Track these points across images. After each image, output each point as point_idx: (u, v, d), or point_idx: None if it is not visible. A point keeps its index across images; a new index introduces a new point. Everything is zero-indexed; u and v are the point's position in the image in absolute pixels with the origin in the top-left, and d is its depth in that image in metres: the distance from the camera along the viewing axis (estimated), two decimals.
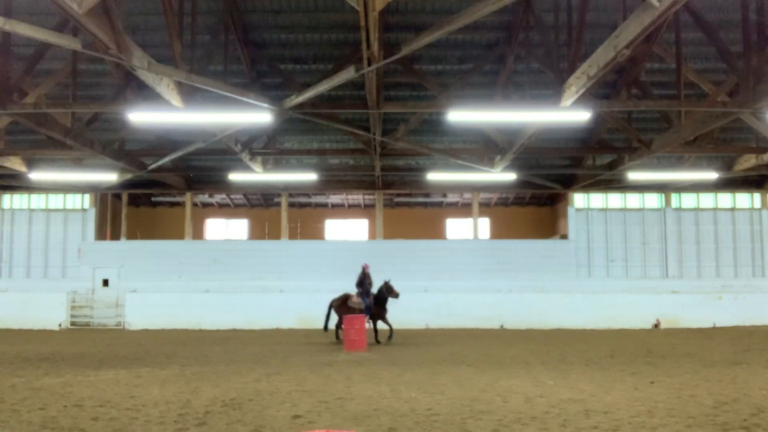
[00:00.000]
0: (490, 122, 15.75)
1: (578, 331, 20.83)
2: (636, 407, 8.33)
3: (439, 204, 27.50)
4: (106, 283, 22.60)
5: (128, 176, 20.28)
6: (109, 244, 23.28)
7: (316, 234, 26.84)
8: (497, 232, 26.96)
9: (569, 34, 13.04)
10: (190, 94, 12.79)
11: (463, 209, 26.99)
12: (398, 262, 21.73)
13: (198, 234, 26.35)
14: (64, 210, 23.33)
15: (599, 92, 16.95)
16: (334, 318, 16.66)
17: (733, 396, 9.03)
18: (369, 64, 10.58)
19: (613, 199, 23.29)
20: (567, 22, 13.21)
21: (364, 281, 16.58)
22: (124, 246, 23.12)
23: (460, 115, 13.15)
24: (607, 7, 14.33)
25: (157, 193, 25.36)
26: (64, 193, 23.20)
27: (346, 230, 27.57)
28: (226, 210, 27.81)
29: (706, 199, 23.20)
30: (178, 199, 26.00)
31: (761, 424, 7.33)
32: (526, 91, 15.92)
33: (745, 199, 23.21)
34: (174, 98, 12.30)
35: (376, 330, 16.60)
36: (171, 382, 10.47)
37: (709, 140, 17.43)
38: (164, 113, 12.98)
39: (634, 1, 10.79)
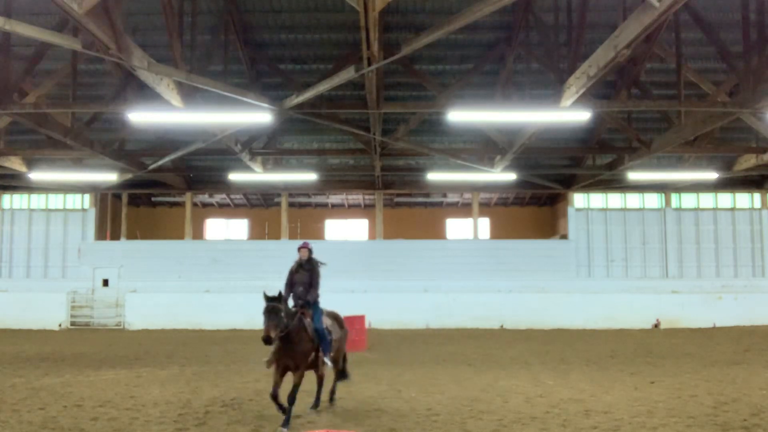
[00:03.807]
0: (490, 122, 15.75)
1: (578, 331, 20.82)
2: (636, 407, 8.33)
3: (439, 204, 27.48)
4: (106, 283, 22.59)
5: (128, 176, 20.27)
6: (109, 244, 23.26)
7: (316, 234, 26.80)
8: (497, 232, 26.95)
9: (569, 34, 13.03)
10: (190, 94, 12.78)
11: (463, 209, 26.98)
12: (398, 262, 21.72)
13: (198, 234, 26.33)
14: (64, 210, 23.31)
15: (599, 92, 16.92)
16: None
17: (733, 396, 9.04)
18: (369, 64, 10.58)
19: (613, 199, 23.28)
20: (567, 22, 13.20)
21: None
22: (124, 246, 23.11)
23: (460, 115, 13.14)
24: (607, 7, 14.31)
25: (157, 193, 25.35)
26: (64, 193, 23.19)
27: (346, 230, 27.56)
28: (226, 210, 27.80)
29: (706, 199, 23.18)
30: (178, 199, 25.98)
31: (761, 424, 7.34)
32: (526, 91, 15.89)
33: (745, 199, 23.20)
34: (174, 98, 12.29)
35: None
36: (171, 382, 10.48)
37: (709, 140, 17.43)
38: (164, 113, 12.98)
39: (634, 1, 10.79)
